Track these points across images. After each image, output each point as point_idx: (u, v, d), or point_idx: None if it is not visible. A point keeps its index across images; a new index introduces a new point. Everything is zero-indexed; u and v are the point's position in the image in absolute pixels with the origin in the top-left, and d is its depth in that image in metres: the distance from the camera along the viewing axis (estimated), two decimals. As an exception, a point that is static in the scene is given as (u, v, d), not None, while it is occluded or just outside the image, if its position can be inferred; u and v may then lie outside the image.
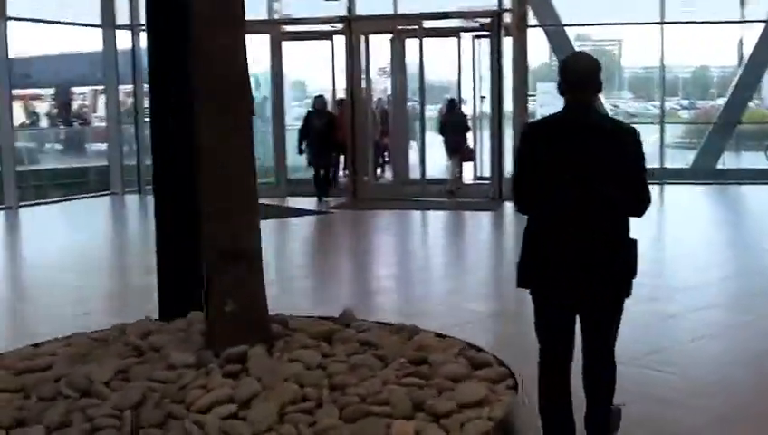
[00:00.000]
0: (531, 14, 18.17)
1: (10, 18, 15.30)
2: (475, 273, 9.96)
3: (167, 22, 5.01)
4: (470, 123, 17.27)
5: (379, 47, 17.17)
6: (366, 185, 16.52)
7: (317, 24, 17.18)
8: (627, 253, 4.16)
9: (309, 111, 16.41)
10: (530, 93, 16.73)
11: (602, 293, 4.14)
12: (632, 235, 4.18)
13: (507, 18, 16.22)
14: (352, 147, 16.29)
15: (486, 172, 16.68)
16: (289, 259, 11.22)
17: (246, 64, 2.77)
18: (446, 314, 7.70)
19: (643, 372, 5.93)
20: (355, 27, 16.31)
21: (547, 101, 18.37)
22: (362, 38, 16.42)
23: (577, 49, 15.75)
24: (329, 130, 15.82)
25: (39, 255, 11.53)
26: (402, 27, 16.73)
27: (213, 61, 2.62)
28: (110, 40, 17.58)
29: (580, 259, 4.07)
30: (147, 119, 20.60)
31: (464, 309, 7.86)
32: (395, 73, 17.55)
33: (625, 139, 4.14)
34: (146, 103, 19.39)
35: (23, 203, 15.69)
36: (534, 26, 18.27)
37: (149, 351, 2.65)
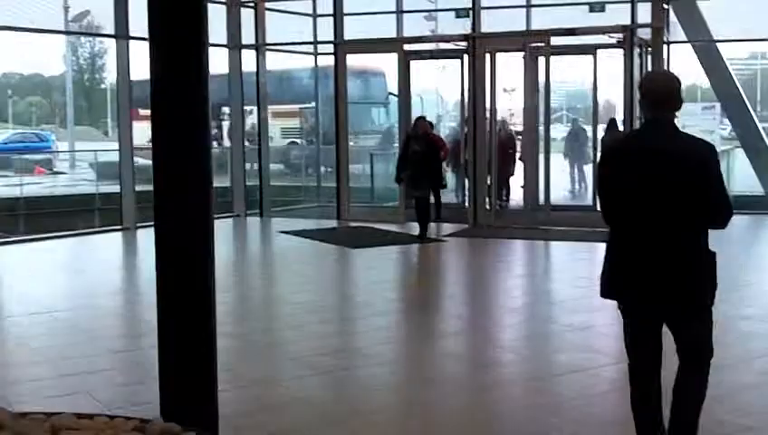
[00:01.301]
0: (678, 28, 16.95)
1: (132, 38, 15.27)
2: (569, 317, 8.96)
3: (172, 31, 4.17)
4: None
5: (507, 65, 16.24)
6: (486, 211, 15.60)
7: (441, 41, 16.48)
8: (704, 265, 4.26)
9: (407, 135, 14.56)
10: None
11: (680, 304, 4.30)
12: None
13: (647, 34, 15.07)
14: (473, 170, 15.44)
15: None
16: (372, 290, 10.52)
17: None
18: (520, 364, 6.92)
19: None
20: (479, 45, 15.49)
21: (690, 122, 16.80)
22: (488, 56, 15.57)
23: (744, 67, 14.41)
24: (428, 155, 13.80)
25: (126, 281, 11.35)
26: (535, 45, 15.72)
27: None
28: (235, 60, 17.37)
29: (653, 273, 4.23)
30: (273, 140, 20.50)
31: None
32: (526, 92, 16.54)
33: (695, 158, 4.20)
34: (271, 123, 19.24)
35: (141, 224, 15.55)
36: (681, 42, 16.97)
37: None
